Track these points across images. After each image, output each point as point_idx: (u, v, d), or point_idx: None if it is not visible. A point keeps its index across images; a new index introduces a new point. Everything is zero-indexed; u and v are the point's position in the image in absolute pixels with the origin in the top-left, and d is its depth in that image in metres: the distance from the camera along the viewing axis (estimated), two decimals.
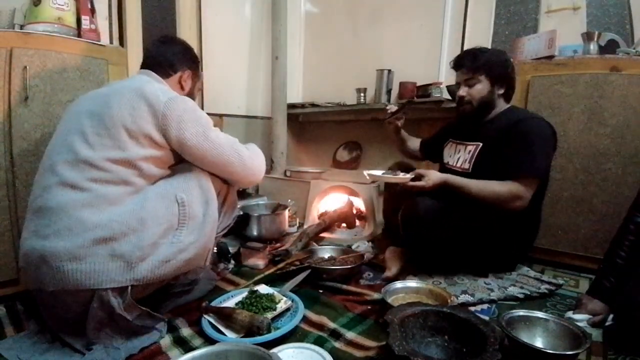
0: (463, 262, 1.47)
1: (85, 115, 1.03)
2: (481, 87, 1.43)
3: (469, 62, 1.43)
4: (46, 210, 0.95)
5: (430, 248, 1.40)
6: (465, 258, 1.45)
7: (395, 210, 1.50)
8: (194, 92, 1.32)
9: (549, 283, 1.40)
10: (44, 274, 0.91)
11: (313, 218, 2.23)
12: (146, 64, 1.23)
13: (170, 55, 1.23)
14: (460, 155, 1.53)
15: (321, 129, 3.01)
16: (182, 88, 1.26)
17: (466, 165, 1.48)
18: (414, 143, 1.88)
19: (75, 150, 0.98)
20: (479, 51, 1.45)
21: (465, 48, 2.22)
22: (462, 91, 1.46)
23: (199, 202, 1.11)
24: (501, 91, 1.46)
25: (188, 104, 1.10)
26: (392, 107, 1.75)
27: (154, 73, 1.19)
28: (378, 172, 1.52)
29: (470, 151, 1.49)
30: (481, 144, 1.46)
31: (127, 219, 0.96)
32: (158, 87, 1.10)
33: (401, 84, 2.34)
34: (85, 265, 0.91)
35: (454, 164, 1.55)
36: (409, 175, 1.40)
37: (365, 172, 1.55)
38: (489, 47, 2.16)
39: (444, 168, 1.61)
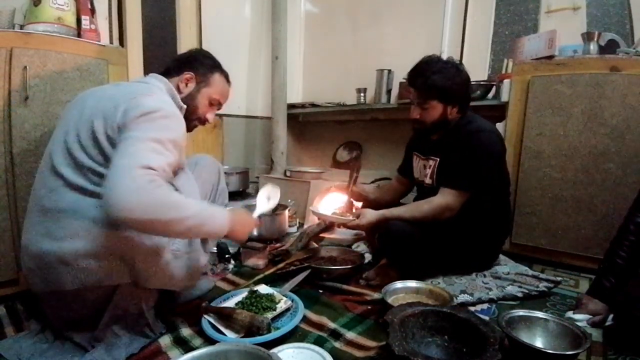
0: (443, 266, 1.48)
1: (82, 117, 0.98)
2: (434, 112, 1.39)
3: (420, 86, 1.37)
4: (56, 212, 0.93)
5: (409, 261, 1.40)
6: (444, 263, 1.47)
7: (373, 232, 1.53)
8: (197, 100, 1.18)
9: (547, 280, 1.40)
10: (63, 274, 0.90)
11: (313, 218, 2.23)
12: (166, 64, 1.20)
13: (183, 56, 1.22)
14: (425, 170, 1.53)
15: (321, 129, 3.01)
16: (179, 90, 1.15)
17: (429, 181, 1.50)
18: (387, 191, 1.76)
19: (73, 155, 0.95)
20: (432, 72, 1.35)
21: (465, 48, 2.22)
22: (415, 112, 1.41)
23: None
24: (455, 109, 1.41)
25: (161, 114, 0.94)
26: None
27: (163, 78, 1.13)
28: (325, 212, 1.58)
29: (430, 166, 1.50)
30: (438, 159, 1.47)
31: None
32: (149, 94, 0.99)
33: (401, 84, 2.34)
34: (108, 263, 0.92)
35: (422, 179, 1.56)
36: (350, 217, 1.47)
37: (312, 209, 1.66)
38: (489, 47, 2.17)
39: (419, 186, 1.61)
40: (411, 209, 1.42)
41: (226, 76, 1.26)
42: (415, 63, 1.43)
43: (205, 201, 1.05)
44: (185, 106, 1.14)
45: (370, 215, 1.41)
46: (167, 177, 0.90)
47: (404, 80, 2.30)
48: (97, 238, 0.91)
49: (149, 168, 0.83)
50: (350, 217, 1.46)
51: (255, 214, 1.23)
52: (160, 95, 1.04)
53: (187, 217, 0.86)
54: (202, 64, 1.21)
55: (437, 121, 1.41)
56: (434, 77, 1.35)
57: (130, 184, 0.79)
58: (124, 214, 0.78)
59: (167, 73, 1.17)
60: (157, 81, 1.12)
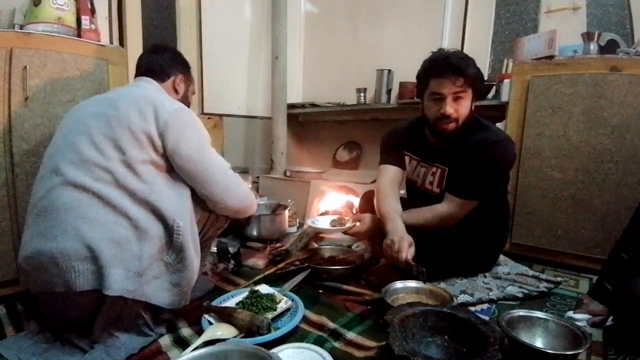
0: (444, 270, 1.45)
1: (90, 116, 1.04)
2: (467, 103, 1.28)
3: (472, 72, 1.23)
4: (52, 211, 0.93)
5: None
6: (445, 267, 1.44)
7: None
8: (188, 96, 1.34)
9: (548, 281, 1.40)
10: (54, 275, 0.90)
11: (313, 218, 2.23)
12: (141, 73, 1.24)
13: (162, 62, 1.26)
14: (428, 177, 1.46)
15: (321, 129, 3.01)
16: (176, 92, 1.28)
17: (437, 190, 1.43)
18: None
19: (79, 150, 0.98)
20: (465, 56, 1.28)
21: (465, 48, 2.21)
22: (450, 107, 1.26)
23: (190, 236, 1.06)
24: (473, 107, 1.34)
25: (193, 118, 1.11)
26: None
27: (153, 80, 1.21)
28: (323, 223, 1.59)
29: (435, 173, 1.43)
30: (447, 169, 1.39)
31: (129, 226, 0.95)
32: (165, 97, 1.13)
33: (401, 84, 2.34)
34: (96, 266, 0.90)
35: (424, 185, 1.48)
36: (349, 224, 1.48)
37: (309, 222, 1.66)
38: (489, 47, 2.17)
39: (414, 188, 1.53)
40: (413, 216, 1.38)
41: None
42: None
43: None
44: None
45: (370, 220, 1.40)
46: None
47: (404, 81, 2.32)
48: (86, 238, 0.90)
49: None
50: (350, 224, 1.46)
51: None
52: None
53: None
54: (183, 64, 1.32)
55: (467, 118, 1.30)
56: (468, 59, 1.27)
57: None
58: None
59: (153, 76, 1.22)
60: (160, 91, 1.20)
